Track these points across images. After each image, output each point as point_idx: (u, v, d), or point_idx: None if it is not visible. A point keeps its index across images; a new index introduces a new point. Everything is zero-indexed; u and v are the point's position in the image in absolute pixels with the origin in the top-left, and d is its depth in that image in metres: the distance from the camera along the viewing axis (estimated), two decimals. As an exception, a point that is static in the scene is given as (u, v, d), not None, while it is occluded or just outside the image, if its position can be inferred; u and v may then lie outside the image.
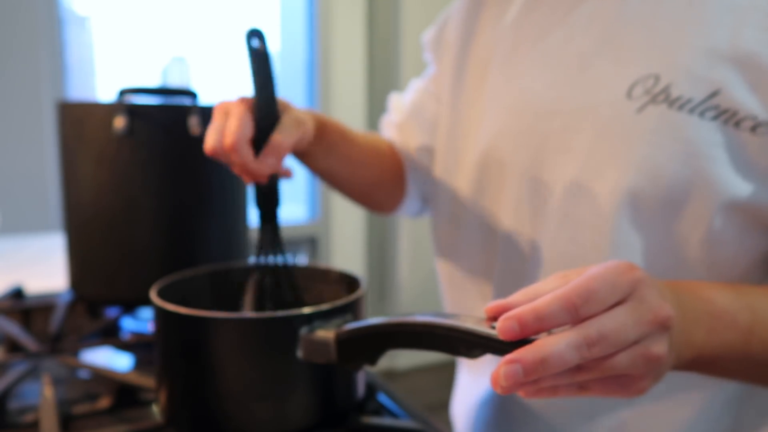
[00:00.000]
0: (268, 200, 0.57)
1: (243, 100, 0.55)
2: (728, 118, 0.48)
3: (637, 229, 0.53)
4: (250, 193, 0.58)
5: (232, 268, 0.66)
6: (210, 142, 0.54)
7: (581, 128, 0.55)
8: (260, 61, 0.52)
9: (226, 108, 0.55)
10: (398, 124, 0.79)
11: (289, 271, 0.60)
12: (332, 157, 0.68)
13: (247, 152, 0.53)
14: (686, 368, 0.45)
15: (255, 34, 0.52)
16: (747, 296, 0.47)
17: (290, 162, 0.64)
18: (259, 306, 0.59)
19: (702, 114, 0.49)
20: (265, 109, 0.54)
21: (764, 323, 0.46)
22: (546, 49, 0.60)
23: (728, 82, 0.48)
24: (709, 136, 0.49)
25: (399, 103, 0.81)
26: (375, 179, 0.77)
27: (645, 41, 0.53)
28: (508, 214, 0.62)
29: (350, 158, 0.71)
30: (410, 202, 0.80)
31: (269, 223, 0.57)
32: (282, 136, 0.55)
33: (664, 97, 0.50)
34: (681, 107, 0.50)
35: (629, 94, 0.52)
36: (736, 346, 0.45)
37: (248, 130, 0.53)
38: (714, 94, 0.49)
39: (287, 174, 0.61)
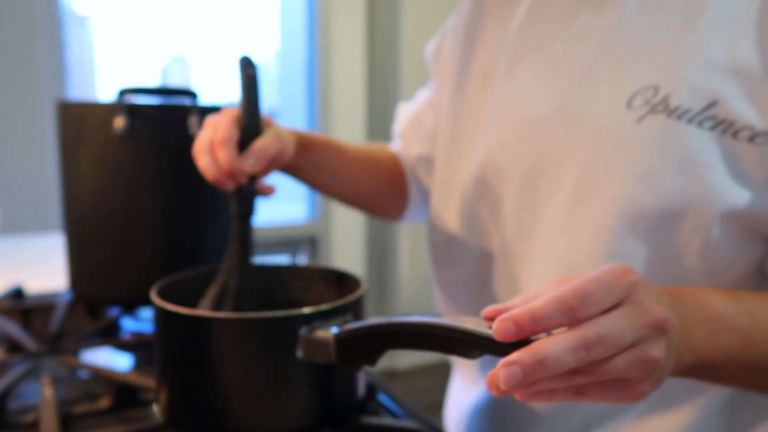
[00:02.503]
0: (245, 207, 0.59)
1: (229, 110, 0.60)
2: (726, 128, 0.49)
3: (636, 237, 0.53)
4: (229, 201, 0.61)
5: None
6: (198, 143, 0.59)
7: (580, 138, 0.56)
8: (251, 85, 0.59)
9: (214, 120, 0.60)
10: (401, 133, 0.81)
11: (253, 275, 0.61)
12: (322, 171, 0.72)
13: (233, 149, 0.57)
14: (686, 374, 0.45)
15: (249, 63, 0.59)
16: (745, 302, 0.47)
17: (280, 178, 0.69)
18: (216, 307, 0.60)
19: (700, 124, 0.49)
20: (249, 122, 0.59)
21: (763, 328, 0.46)
22: (546, 61, 0.60)
23: (726, 92, 0.49)
24: (707, 145, 0.49)
25: (403, 113, 0.84)
26: (372, 191, 0.79)
27: (643, 52, 0.53)
28: (506, 222, 0.62)
29: (341, 172, 0.74)
30: (415, 209, 0.82)
31: (242, 229, 0.59)
32: (263, 143, 0.59)
33: (663, 107, 0.51)
34: (680, 117, 0.50)
35: (629, 105, 0.53)
36: (735, 350, 0.45)
37: (234, 134, 0.58)
38: (712, 105, 0.49)
39: (268, 191, 0.64)
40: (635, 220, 0.52)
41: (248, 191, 0.59)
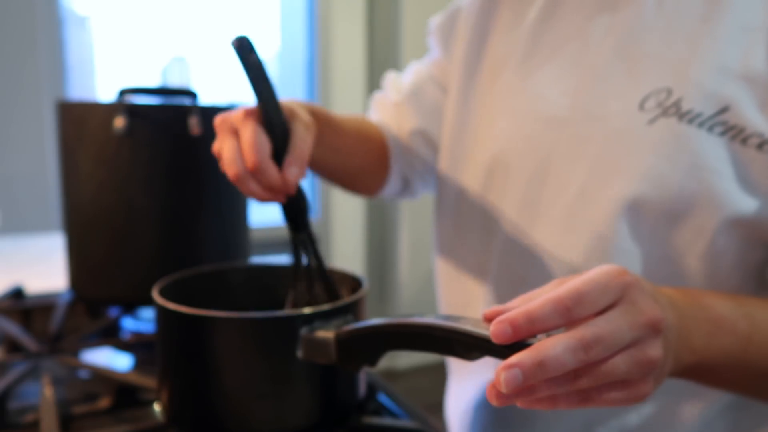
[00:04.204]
0: (297, 209, 0.55)
1: (248, 112, 0.52)
2: (735, 134, 0.49)
3: (640, 237, 0.53)
4: (278, 208, 0.56)
5: (233, 268, 0.66)
6: (232, 168, 0.50)
7: (591, 137, 0.56)
8: (256, 70, 0.49)
9: (230, 124, 0.52)
10: (395, 104, 0.77)
11: (327, 274, 0.59)
12: (321, 147, 0.66)
13: (273, 169, 0.51)
14: (685, 375, 0.45)
15: (243, 43, 0.48)
16: (745, 305, 0.47)
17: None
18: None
19: (710, 129, 0.50)
20: (275, 120, 0.51)
21: (763, 332, 0.46)
22: (561, 59, 0.60)
23: (738, 99, 0.49)
24: (715, 150, 0.50)
25: (397, 83, 0.80)
26: (360, 166, 0.75)
27: (659, 55, 0.53)
28: (511, 217, 0.62)
29: (337, 148, 0.69)
30: (392, 184, 0.79)
31: (302, 231, 0.56)
32: (301, 143, 0.53)
33: (675, 110, 0.51)
34: (690, 121, 0.50)
35: (642, 106, 0.53)
36: (734, 353, 0.45)
37: (266, 145, 0.51)
38: (723, 110, 0.49)
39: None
40: (640, 220, 0.53)
41: (297, 196, 0.54)
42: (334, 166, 0.71)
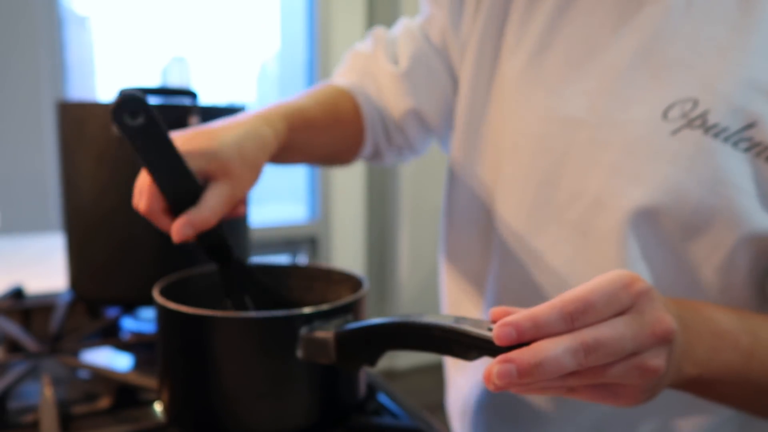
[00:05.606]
0: (212, 241, 0.53)
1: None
2: (760, 151, 0.48)
3: (654, 247, 0.52)
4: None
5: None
6: (134, 199, 0.53)
7: (609, 142, 0.54)
8: (144, 136, 0.40)
9: (138, 186, 0.53)
10: (392, 76, 0.70)
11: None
12: (292, 152, 0.64)
13: (162, 221, 0.52)
14: (685, 387, 0.44)
15: (125, 103, 0.38)
16: (748, 320, 0.47)
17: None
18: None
19: (735, 144, 0.49)
20: (169, 186, 0.48)
21: (765, 348, 0.46)
22: (579, 55, 0.57)
23: (765, 115, 0.48)
24: (738, 166, 0.49)
25: (390, 49, 0.73)
26: (331, 154, 0.73)
27: (685, 62, 0.52)
28: (521, 216, 0.60)
29: (310, 149, 0.67)
30: (362, 153, 0.75)
31: (228, 263, 0.55)
32: (206, 210, 0.50)
33: (700, 122, 0.50)
34: (716, 135, 0.49)
35: (665, 115, 0.51)
36: (736, 368, 0.44)
37: (158, 202, 0.51)
38: (750, 126, 0.49)
39: (238, 215, 0.56)
40: (655, 230, 0.52)
41: (211, 236, 0.53)
42: (309, 160, 0.71)
